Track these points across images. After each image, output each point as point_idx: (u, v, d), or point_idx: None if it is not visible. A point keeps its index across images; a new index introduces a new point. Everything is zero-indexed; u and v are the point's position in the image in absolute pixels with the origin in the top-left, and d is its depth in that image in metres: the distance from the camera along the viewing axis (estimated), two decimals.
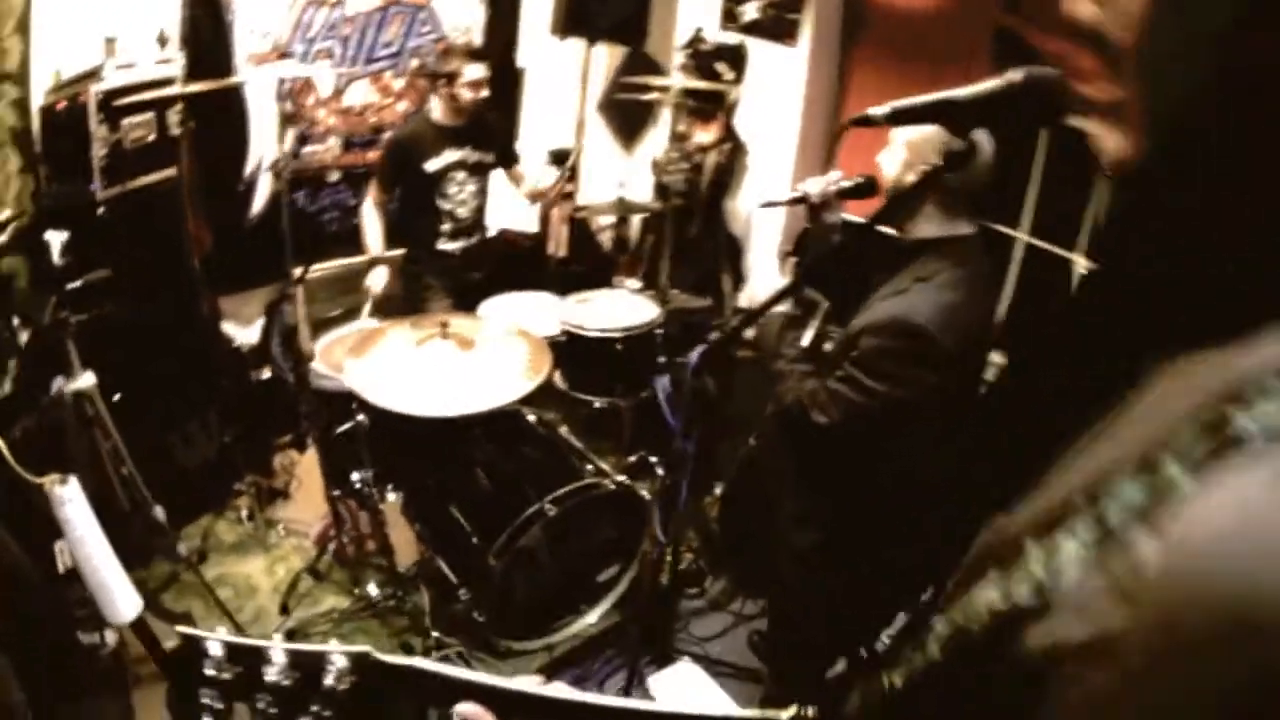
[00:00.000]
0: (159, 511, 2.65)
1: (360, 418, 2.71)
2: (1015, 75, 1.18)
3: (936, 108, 1.29)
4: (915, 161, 1.86)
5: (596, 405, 3.26)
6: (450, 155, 3.45)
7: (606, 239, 4.82)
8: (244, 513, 3.41)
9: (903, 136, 1.91)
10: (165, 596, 3.05)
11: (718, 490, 3.32)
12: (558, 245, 4.48)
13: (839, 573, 2.14)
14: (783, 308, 2.10)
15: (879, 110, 1.36)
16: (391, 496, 3.02)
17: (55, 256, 2.50)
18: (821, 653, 2.32)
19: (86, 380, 2.47)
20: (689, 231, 4.10)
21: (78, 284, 2.54)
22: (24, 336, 2.50)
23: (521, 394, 2.55)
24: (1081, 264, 2.80)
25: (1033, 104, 1.18)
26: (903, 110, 1.34)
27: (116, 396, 2.96)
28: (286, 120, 3.78)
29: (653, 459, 3.46)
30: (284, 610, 3.07)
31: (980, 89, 1.23)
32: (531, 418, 3.14)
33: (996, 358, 3.23)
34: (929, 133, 1.81)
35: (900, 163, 1.91)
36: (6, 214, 2.37)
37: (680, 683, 2.90)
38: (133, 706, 2.66)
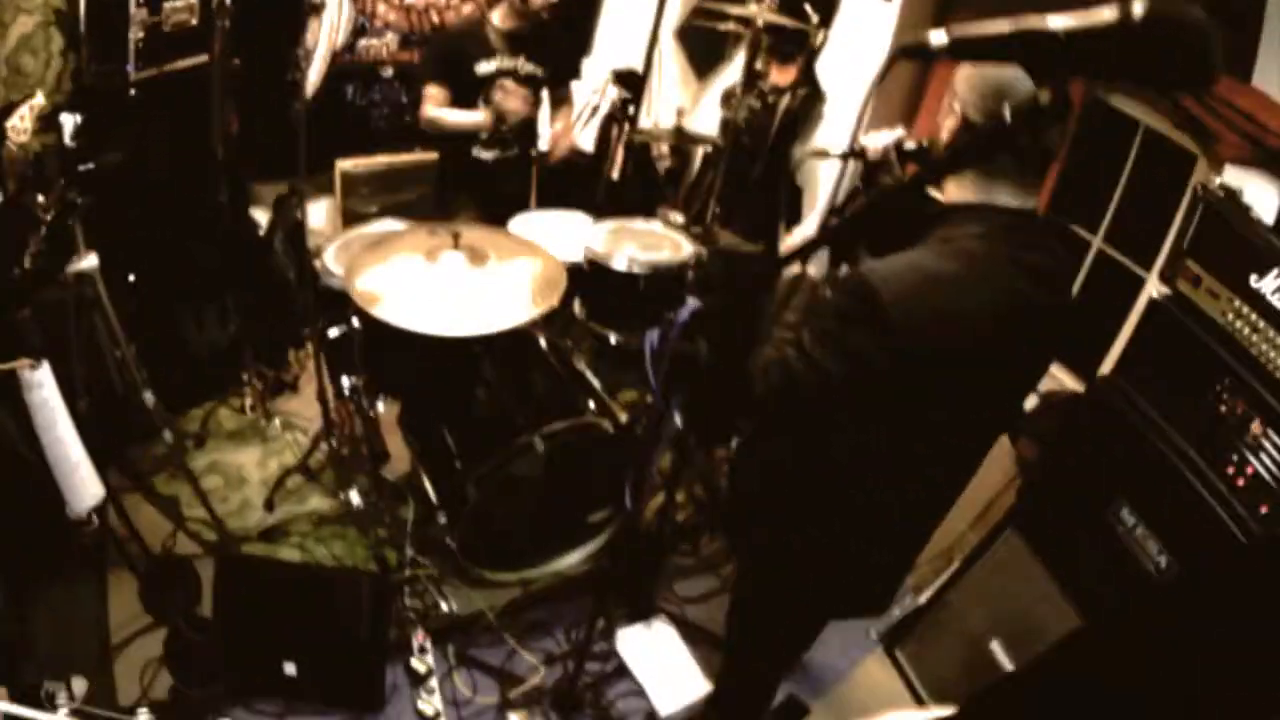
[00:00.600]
0: (148, 396, 2.60)
1: (355, 323, 2.59)
2: (1137, 7, 0.84)
3: (1016, 39, 0.97)
4: (975, 108, 1.41)
5: (613, 341, 3.10)
6: (502, 62, 3.25)
7: (664, 168, 4.59)
8: (247, 402, 3.37)
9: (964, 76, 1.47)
10: (157, 480, 3.04)
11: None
12: (611, 167, 4.27)
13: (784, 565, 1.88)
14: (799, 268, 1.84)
15: (938, 37, 1.04)
16: (383, 405, 2.92)
17: (67, 138, 2.45)
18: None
19: (89, 262, 2.42)
20: (751, 173, 3.84)
21: (89, 165, 2.50)
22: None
23: (521, 321, 2.38)
24: (1154, 287, 2.42)
25: (1153, 51, 0.86)
26: (969, 40, 1.02)
27: (131, 277, 2.95)
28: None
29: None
30: (269, 506, 3.03)
31: (1083, 20, 0.89)
32: (544, 344, 2.99)
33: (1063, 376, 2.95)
34: (999, 75, 1.37)
35: (957, 109, 1.47)
36: (43, 96, 2.30)
37: (649, 641, 2.78)
38: (107, 588, 2.68)
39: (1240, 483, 1.76)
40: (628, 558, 2.62)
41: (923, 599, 2.74)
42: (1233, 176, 2.12)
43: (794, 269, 1.67)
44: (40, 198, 2.31)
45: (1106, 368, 2.42)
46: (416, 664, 2.61)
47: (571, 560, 2.85)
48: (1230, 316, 1.84)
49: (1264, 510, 1.72)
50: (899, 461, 1.59)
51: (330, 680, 2.48)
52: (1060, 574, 2.22)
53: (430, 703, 2.55)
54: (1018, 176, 1.45)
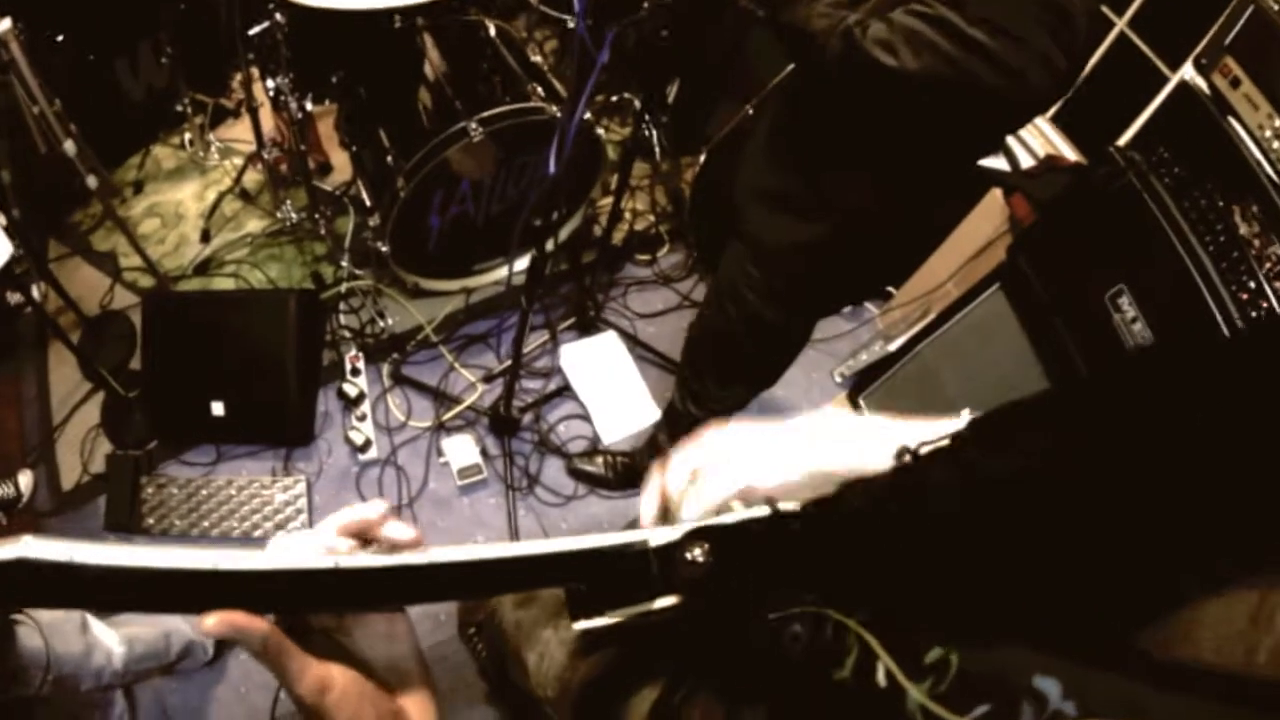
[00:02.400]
0: (69, 146, 2.34)
1: (277, 17, 2.20)
2: None
3: None
4: None
5: (570, 25, 2.62)
6: None
7: None
8: (186, 136, 3.09)
9: None
10: (94, 238, 2.86)
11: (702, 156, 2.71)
12: None
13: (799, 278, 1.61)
14: None
15: None
16: (312, 105, 2.56)
17: None
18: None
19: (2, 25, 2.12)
20: None
21: None
22: None
23: None
24: (1188, 71, 1.89)
25: None
26: None
27: (60, 37, 2.65)
28: None
29: (637, 103, 2.83)
30: (204, 237, 2.81)
31: None
32: (493, 31, 2.54)
33: None
34: None
35: None
36: None
37: (596, 354, 2.50)
38: (48, 363, 2.58)
39: (1253, 313, 1.58)
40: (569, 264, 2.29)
41: (893, 347, 2.43)
42: None
43: None
44: None
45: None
46: (348, 387, 2.42)
47: (518, 267, 2.53)
48: (1269, 135, 1.62)
49: None
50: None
51: (260, 415, 2.35)
52: (1044, 349, 1.98)
53: (360, 430, 2.38)
54: None
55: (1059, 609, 0.43)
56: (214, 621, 0.41)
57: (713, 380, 1.95)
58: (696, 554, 0.56)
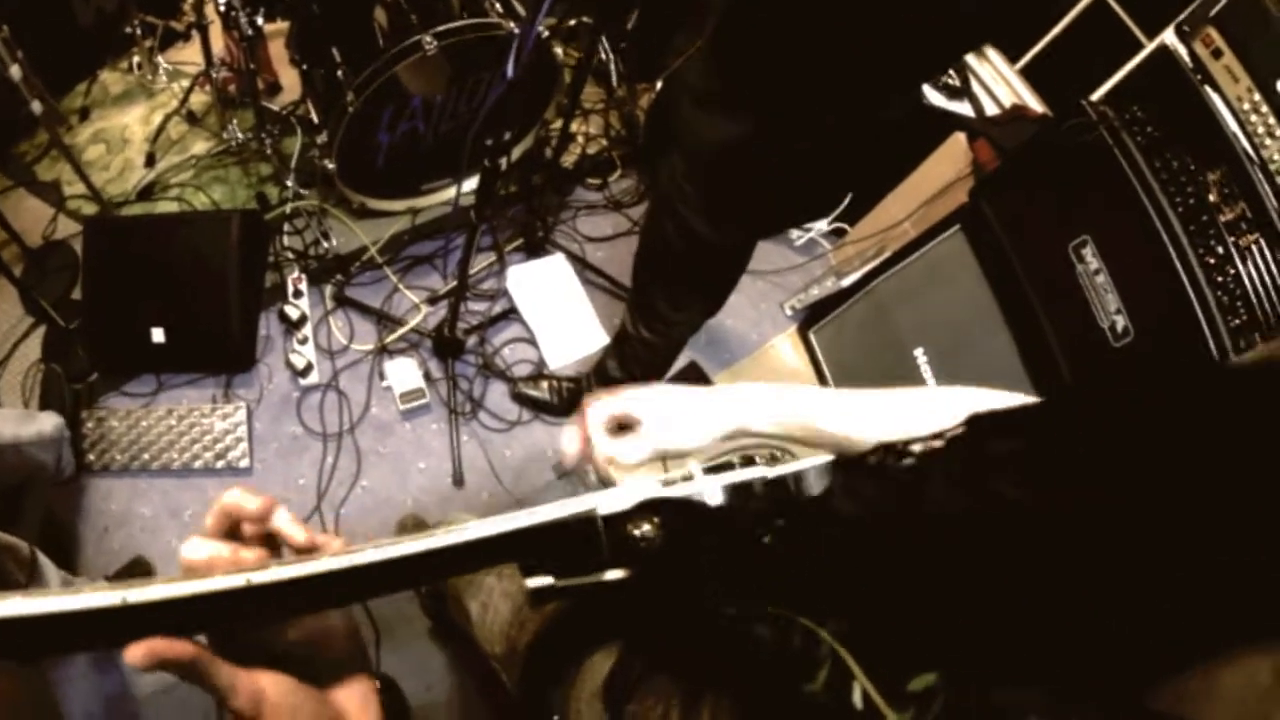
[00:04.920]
0: (14, 71, 2.25)
1: None
2: None
3: None
4: None
5: None
6: None
7: None
8: (135, 60, 3.00)
9: None
10: (39, 168, 2.77)
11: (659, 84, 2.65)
12: None
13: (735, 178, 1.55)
14: None
15: None
16: (263, 21, 2.48)
17: None
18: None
19: None
20: None
21: None
22: None
23: None
24: (1170, 35, 1.86)
25: None
26: None
27: None
28: None
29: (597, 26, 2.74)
30: (149, 161, 2.73)
31: None
32: None
33: None
34: None
35: None
36: None
37: (543, 277, 2.45)
38: None
39: (1219, 278, 1.61)
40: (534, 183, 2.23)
41: (846, 282, 2.39)
42: None
43: None
44: None
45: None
46: (290, 310, 2.36)
47: (466, 188, 2.47)
48: (1247, 108, 1.62)
49: (1235, 322, 1.59)
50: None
51: (201, 340, 2.29)
52: (1004, 294, 1.98)
53: (302, 354, 2.33)
54: None
55: (1065, 655, 0.40)
56: (137, 655, 0.39)
57: (663, 301, 1.90)
58: (646, 529, 0.52)
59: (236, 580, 0.41)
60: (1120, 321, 1.74)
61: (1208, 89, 1.66)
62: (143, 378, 2.32)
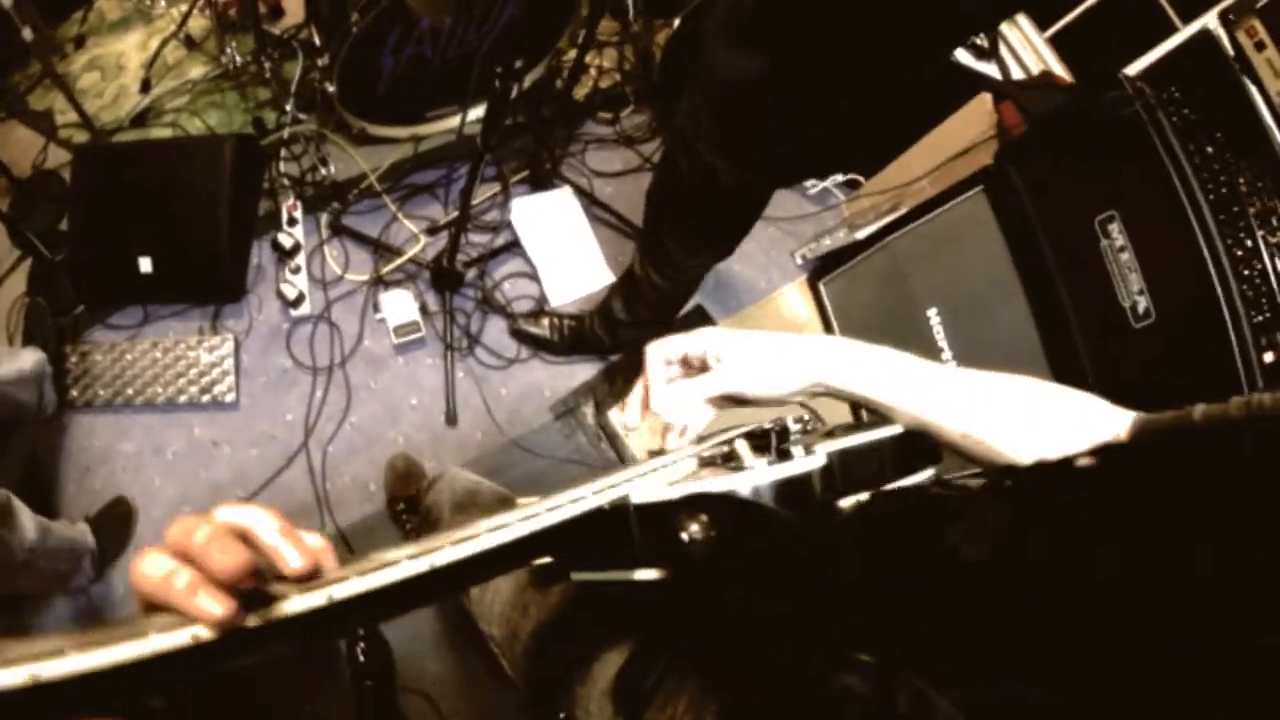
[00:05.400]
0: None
1: None
2: None
3: None
4: None
5: None
6: None
7: None
8: None
9: None
10: (31, 98, 2.68)
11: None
12: None
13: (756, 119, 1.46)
14: None
15: None
16: None
17: None
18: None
19: None
20: None
21: None
22: None
23: None
24: (1212, 19, 1.81)
25: None
26: None
27: None
28: None
29: None
30: (145, 87, 2.64)
31: None
32: None
33: None
34: None
35: None
36: None
37: (548, 210, 2.35)
38: None
39: (1245, 271, 1.57)
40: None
41: (859, 235, 2.29)
42: None
43: None
44: None
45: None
46: (283, 238, 2.26)
47: (472, 116, 2.37)
48: None
49: (1258, 318, 1.55)
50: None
51: (190, 270, 2.20)
52: (1024, 262, 1.93)
53: (294, 284, 2.24)
54: None
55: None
56: None
57: (674, 243, 1.80)
58: (694, 529, 0.45)
59: (181, 640, 0.32)
60: (1142, 303, 1.71)
61: (1247, 80, 1.63)
62: (129, 310, 2.23)
